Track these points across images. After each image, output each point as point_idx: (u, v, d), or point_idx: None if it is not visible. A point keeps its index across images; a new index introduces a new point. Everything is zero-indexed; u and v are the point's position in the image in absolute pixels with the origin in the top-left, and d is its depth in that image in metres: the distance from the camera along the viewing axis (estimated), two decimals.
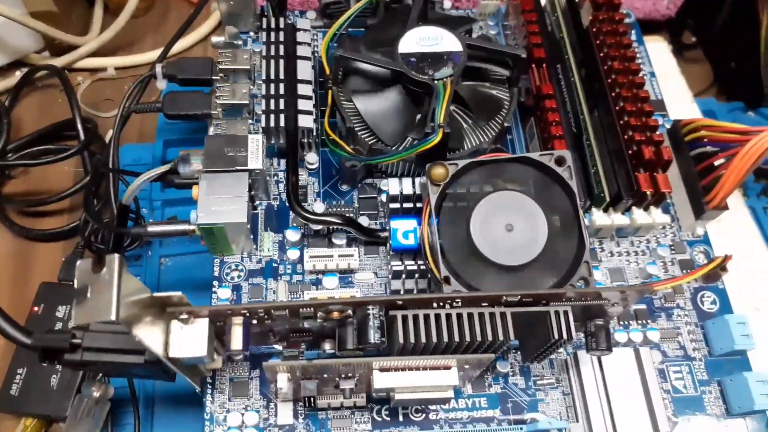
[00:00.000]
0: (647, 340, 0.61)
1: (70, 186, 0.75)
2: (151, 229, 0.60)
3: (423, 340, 0.47)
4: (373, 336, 0.46)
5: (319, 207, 0.64)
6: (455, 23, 0.69)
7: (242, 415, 0.56)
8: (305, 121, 0.64)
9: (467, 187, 0.56)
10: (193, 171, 0.60)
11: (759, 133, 0.60)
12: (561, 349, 0.61)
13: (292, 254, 0.63)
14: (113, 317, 0.38)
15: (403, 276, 0.60)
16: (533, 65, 0.68)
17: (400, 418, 0.58)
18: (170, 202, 0.71)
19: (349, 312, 0.47)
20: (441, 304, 0.48)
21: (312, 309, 0.47)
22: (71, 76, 0.86)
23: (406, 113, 0.64)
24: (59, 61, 0.86)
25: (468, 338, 0.47)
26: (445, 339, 0.47)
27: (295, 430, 0.56)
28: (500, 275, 0.55)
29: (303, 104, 0.65)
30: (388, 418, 0.58)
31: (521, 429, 0.55)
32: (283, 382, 0.48)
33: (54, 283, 0.68)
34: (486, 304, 0.49)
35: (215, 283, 0.62)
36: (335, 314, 0.47)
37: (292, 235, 0.63)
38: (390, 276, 0.60)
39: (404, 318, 0.48)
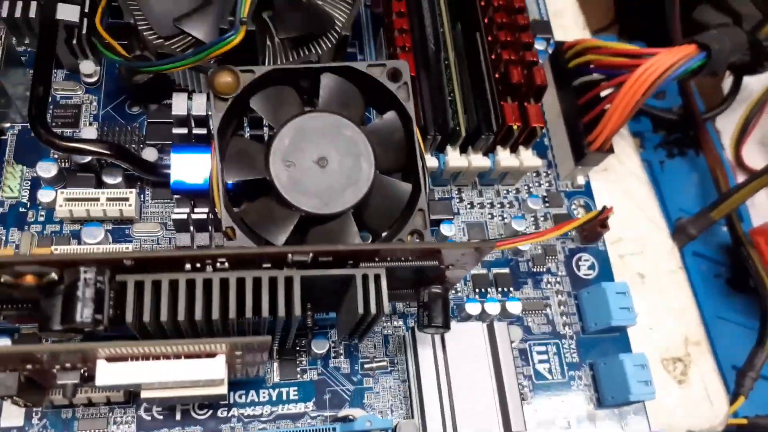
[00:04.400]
0: (506, 312, 0.48)
1: None
2: None
3: (164, 317, 0.32)
4: (82, 312, 0.31)
5: (89, 132, 0.48)
6: None
7: None
8: (67, 13, 0.47)
9: (269, 104, 0.41)
10: None
11: (652, 56, 0.48)
12: (395, 323, 0.48)
13: (45, 195, 0.46)
14: None
15: (192, 228, 0.45)
16: None
17: (178, 417, 0.43)
18: None
19: (53, 276, 0.32)
20: (197, 264, 0.33)
21: None
22: None
23: None
24: None
25: (233, 314, 0.33)
26: (199, 316, 0.32)
27: None
28: (311, 228, 0.40)
29: None
30: (161, 417, 0.43)
31: (334, 430, 0.42)
32: None
33: None
34: (269, 265, 0.34)
35: None
36: (29, 278, 0.31)
37: (47, 169, 0.46)
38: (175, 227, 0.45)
39: (138, 285, 0.32)
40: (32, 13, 0.47)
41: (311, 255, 0.33)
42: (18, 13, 0.47)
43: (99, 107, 0.51)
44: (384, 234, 0.42)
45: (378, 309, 0.34)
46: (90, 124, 0.50)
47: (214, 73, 0.40)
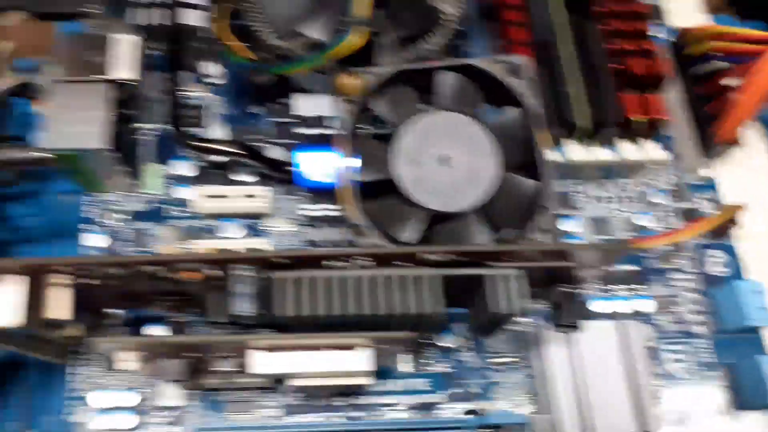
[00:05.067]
0: (637, 310, 0.47)
1: None
2: None
3: (307, 311, 0.34)
4: (241, 306, 0.33)
5: (217, 132, 0.51)
6: None
7: (115, 394, 0.44)
8: (193, 18, 0.49)
9: (391, 104, 0.42)
10: (45, 80, 0.46)
11: None
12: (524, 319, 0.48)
13: (184, 192, 0.49)
14: None
15: (321, 224, 0.47)
16: None
17: (319, 402, 0.45)
18: None
19: (216, 272, 0.34)
20: (341, 263, 0.35)
21: (158, 267, 0.34)
22: None
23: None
24: None
25: (372, 310, 0.34)
26: (337, 311, 0.34)
27: (183, 413, 0.44)
28: (434, 226, 0.41)
29: None
30: (304, 403, 0.45)
31: (468, 423, 0.43)
32: (127, 362, 0.36)
33: None
34: (404, 263, 0.35)
35: (84, 227, 0.49)
36: (194, 274, 0.34)
37: (184, 168, 0.50)
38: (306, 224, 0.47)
39: (296, 282, 0.34)
40: (163, 20, 0.50)
41: (449, 255, 0.34)
42: (150, 20, 0.50)
43: (223, 107, 0.54)
44: (508, 231, 0.42)
45: (515, 309, 0.35)
46: (216, 124, 0.53)
47: (340, 76, 0.41)
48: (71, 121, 0.44)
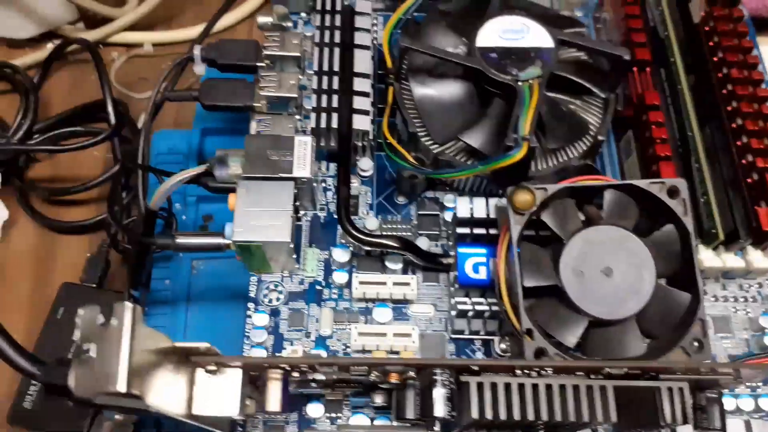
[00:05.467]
0: (758, 408, 0.50)
1: (99, 173, 0.68)
2: (179, 241, 0.52)
3: (503, 416, 0.38)
4: (441, 408, 0.37)
5: (372, 223, 0.55)
6: (550, 21, 0.57)
7: None
8: (361, 123, 0.55)
9: (556, 217, 0.46)
10: (230, 175, 0.51)
11: None
12: None
13: (339, 277, 0.54)
14: (122, 389, 0.30)
15: (470, 315, 0.51)
16: (634, 68, 0.58)
17: None
18: (206, 199, 0.62)
19: (411, 374, 0.38)
20: (526, 371, 0.39)
21: (366, 368, 0.38)
22: (105, 51, 0.78)
23: (467, 111, 0.55)
24: (92, 35, 0.78)
25: (559, 417, 0.38)
26: (530, 416, 0.38)
27: None
28: (591, 329, 0.45)
29: (359, 102, 0.55)
30: None
31: None
32: None
33: (76, 284, 0.62)
34: (581, 373, 0.39)
35: (251, 305, 0.54)
36: (394, 377, 0.38)
37: (340, 255, 0.54)
38: (454, 314, 0.51)
39: (480, 386, 0.38)
40: (333, 123, 0.55)
41: (625, 369, 0.38)
42: (322, 124, 0.55)
43: (372, 197, 0.59)
44: (660, 340, 0.46)
45: (685, 421, 0.38)
46: (366, 213, 0.58)
47: (514, 191, 0.46)
48: (259, 215, 0.49)
